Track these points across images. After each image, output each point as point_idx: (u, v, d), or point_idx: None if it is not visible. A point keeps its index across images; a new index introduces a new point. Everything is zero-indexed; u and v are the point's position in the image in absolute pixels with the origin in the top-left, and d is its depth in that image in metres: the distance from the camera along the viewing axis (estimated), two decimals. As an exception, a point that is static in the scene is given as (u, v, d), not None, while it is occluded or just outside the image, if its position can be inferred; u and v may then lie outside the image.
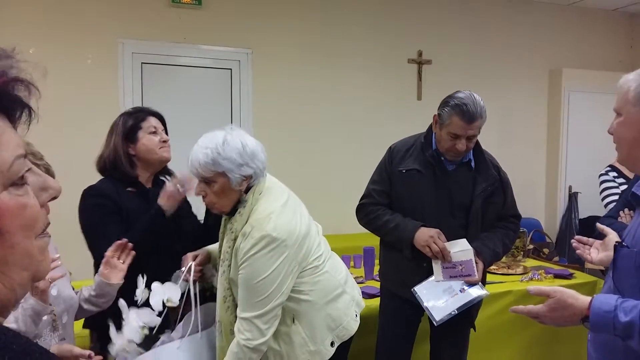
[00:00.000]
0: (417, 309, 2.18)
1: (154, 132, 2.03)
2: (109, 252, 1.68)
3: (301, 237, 1.71)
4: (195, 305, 1.79)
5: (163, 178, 2.11)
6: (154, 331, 1.72)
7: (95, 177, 2.04)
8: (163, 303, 1.75)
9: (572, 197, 5.58)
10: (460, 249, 2.10)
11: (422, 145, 2.22)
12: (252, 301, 1.64)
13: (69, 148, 3.68)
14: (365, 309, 2.04)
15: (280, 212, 1.68)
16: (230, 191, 1.71)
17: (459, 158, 2.18)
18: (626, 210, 2.37)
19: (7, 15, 3.92)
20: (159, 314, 1.73)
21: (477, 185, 2.19)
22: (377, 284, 2.69)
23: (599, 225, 1.46)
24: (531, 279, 2.99)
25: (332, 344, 1.78)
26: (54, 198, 0.61)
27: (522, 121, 5.62)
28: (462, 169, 2.22)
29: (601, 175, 3.01)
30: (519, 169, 5.61)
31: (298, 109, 4.67)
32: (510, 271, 3.13)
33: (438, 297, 2.08)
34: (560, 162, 5.67)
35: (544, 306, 1.29)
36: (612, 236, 1.55)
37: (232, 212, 1.74)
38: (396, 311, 2.31)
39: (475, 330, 2.32)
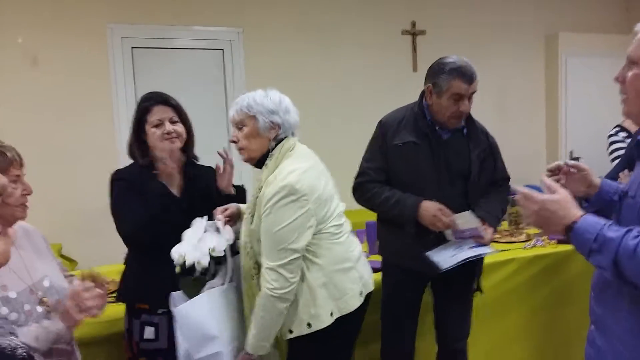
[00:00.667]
0: (421, 280, 2.21)
1: (158, 125, 1.96)
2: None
3: (323, 198, 1.76)
4: (231, 255, 1.89)
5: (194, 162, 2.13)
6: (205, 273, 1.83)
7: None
8: (209, 253, 1.81)
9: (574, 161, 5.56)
10: (465, 220, 2.12)
11: (415, 116, 2.20)
12: (275, 249, 1.68)
13: (62, 136, 3.65)
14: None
15: (305, 170, 1.75)
16: (259, 137, 1.81)
17: (460, 123, 2.19)
18: (626, 171, 2.34)
19: (-8, 5, 3.85)
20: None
21: (471, 151, 2.21)
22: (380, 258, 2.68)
23: (545, 180, 1.34)
24: (534, 246, 2.98)
25: (331, 314, 1.78)
26: None
27: (519, 88, 5.56)
28: (456, 137, 2.22)
29: (610, 135, 2.96)
30: (518, 137, 5.60)
31: (292, 87, 4.53)
32: (513, 239, 3.12)
33: (448, 254, 2.12)
34: (560, 127, 5.64)
35: (545, 197, 1.24)
36: (588, 171, 1.51)
37: (259, 165, 1.84)
38: (399, 284, 2.31)
39: (482, 293, 2.34)
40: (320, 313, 1.76)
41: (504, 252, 2.90)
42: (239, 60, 4.55)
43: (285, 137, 1.84)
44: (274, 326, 1.74)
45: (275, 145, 1.82)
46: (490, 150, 2.30)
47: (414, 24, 5.08)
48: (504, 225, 3.53)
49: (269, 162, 1.80)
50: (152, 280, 1.92)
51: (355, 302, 1.83)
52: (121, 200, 1.93)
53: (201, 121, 4.38)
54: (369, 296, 1.93)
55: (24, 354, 0.80)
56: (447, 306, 2.35)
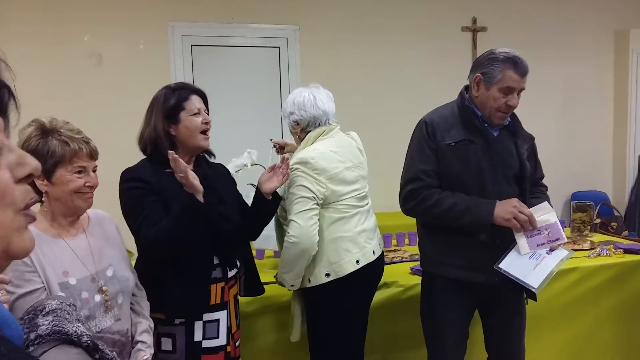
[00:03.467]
0: (477, 292, 2.10)
1: (197, 114, 1.90)
2: None
3: (337, 177, 2.09)
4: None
5: (207, 157, 2.06)
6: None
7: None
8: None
9: (643, 166, 5.25)
10: (543, 212, 1.99)
11: (463, 112, 2.05)
12: (290, 204, 2.06)
13: (123, 133, 3.76)
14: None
15: (324, 151, 2.10)
16: (293, 133, 2.26)
17: (506, 120, 2.07)
18: None
19: (58, 2, 4.02)
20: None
21: (519, 148, 2.09)
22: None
23: None
24: (599, 255, 2.83)
25: (327, 274, 2.08)
26: (31, 176, 0.60)
27: (586, 87, 5.29)
28: (505, 133, 2.10)
29: None
30: (584, 139, 5.34)
31: (347, 85, 4.58)
32: (576, 247, 2.96)
33: (527, 266, 1.97)
34: (628, 130, 5.32)
35: None
36: None
37: None
38: (456, 299, 2.11)
39: (536, 300, 2.16)
40: (317, 273, 2.08)
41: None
42: (295, 58, 4.57)
43: (313, 128, 2.16)
44: (293, 264, 2.06)
45: (305, 136, 2.17)
46: (532, 148, 2.19)
47: (474, 20, 4.93)
48: (567, 232, 3.37)
49: (300, 147, 2.18)
50: (168, 289, 1.83)
51: (349, 267, 2.08)
52: (140, 204, 1.80)
53: (256, 118, 4.48)
54: (373, 265, 2.17)
55: (89, 341, 0.82)
56: (502, 327, 2.19)
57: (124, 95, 4.07)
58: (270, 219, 2.13)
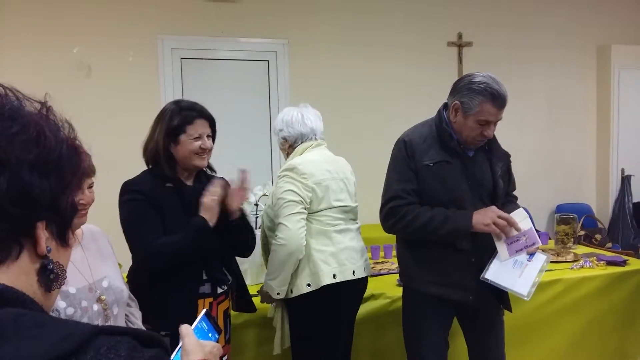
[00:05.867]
0: (454, 308, 2.16)
1: (198, 138, 1.92)
2: None
3: (323, 183, 2.18)
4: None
5: (207, 171, 2.09)
6: None
7: (137, 174, 2.05)
8: None
9: (625, 180, 5.35)
10: (519, 219, 2.04)
11: (440, 133, 2.11)
12: (279, 208, 2.12)
13: (112, 145, 3.77)
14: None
15: (312, 159, 2.22)
16: (282, 150, 2.38)
17: (480, 144, 2.11)
18: None
19: (48, 14, 4.04)
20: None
21: (494, 166, 2.15)
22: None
23: None
24: (582, 267, 2.88)
25: (308, 284, 2.13)
26: None
27: (569, 102, 5.40)
28: (480, 153, 2.16)
29: None
30: (567, 152, 5.43)
31: (336, 98, 4.63)
32: (559, 259, 3.01)
33: (512, 274, 2.02)
34: (611, 143, 5.44)
35: None
36: None
37: None
38: (434, 312, 2.15)
39: (511, 311, 2.21)
40: (298, 283, 2.14)
41: (550, 272, 2.80)
42: (284, 71, 4.61)
43: (301, 143, 2.27)
44: (280, 269, 2.10)
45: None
46: (507, 166, 2.24)
47: (460, 36, 5.02)
48: (550, 243, 3.42)
49: (286, 161, 2.28)
50: (155, 302, 1.86)
51: (325, 279, 2.13)
52: (141, 216, 1.85)
53: (245, 130, 4.50)
54: (355, 284, 2.22)
55: None
56: (481, 337, 2.23)
57: (112, 106, 4.08)
58: (248, 234, 2.10)
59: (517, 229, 2.02)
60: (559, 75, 5.32)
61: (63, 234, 0.67)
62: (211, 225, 1.87)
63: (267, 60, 4.60)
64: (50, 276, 0.65)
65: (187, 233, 1.84)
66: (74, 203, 0.67)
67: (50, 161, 0.63)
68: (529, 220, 2.07)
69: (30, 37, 4.00)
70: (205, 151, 1.95)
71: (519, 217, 2.06)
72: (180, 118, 1.92)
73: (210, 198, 1.88)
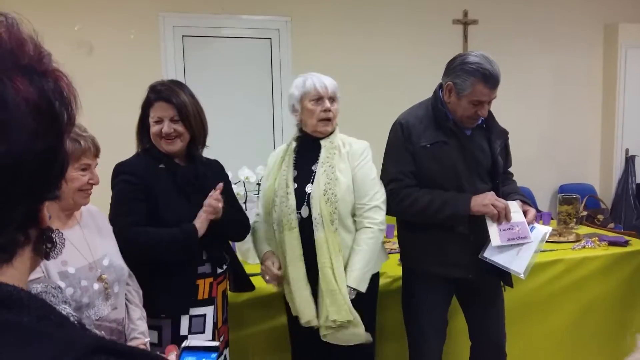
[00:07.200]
0: (454, 286, 2.19)
1: (158, 122, 1.87)
2: None
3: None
4: None
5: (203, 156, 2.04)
6: None
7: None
8: None
9: (629, 160, 5.32)
10: (514, 210, 2.07)
11: (436, 113, 2.12)
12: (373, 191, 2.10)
13: (113, 123, 3.76)
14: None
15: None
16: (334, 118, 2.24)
17: (476, 124, 2.13)
18: None
19: (51, -6, 3.99)
20: None
21: (492, 143, 2.15)
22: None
23: None
24: (584, 247, 2.88)
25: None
26: None
27: (575, 80, 5.34)
28: (477, 131, 2.17)
29: None
30: (572, 132, 5.39)
31: (338, 75, 4.55)
32: (561, 239, 3.02)
33: (510, 253, 2.05)
34: (616, 123, 5.39)
35: None
36: None
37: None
38: (433, 290, 2.20)
39: (512, 287, 2.24)
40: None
41: (552, 252, 2.81)
42: (287, 49, 4.56)
43: None
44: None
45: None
46: (505, 143, 2.25)
47: (465, 13, 4.94)
48: (552, 224, 3.42)
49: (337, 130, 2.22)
50: (154, 281, 1.85)
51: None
52: (125, 198, 1.83)
53: (248, 108, 4.47)
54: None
55: (75, 322, 0.84)
56: (481, 315, 2.26)
57: (114, 84, 4.06)
58: (231, 228, 2.06)
59: (508, 219, 2.04)
60: (565, 54, 5.24)
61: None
62: (199, 235, 1.83)
63: (270, 38, 4.55)
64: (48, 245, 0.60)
65: (171, 234, 1.81)
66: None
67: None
68: (522, 214, 2.10)
69: (31, 14, 3.94)
70: (169, 135, 1.86)
71: (514, 208, 2.08)
72: (145, 100, 1.91)
73: (214, 200, 1.86)
